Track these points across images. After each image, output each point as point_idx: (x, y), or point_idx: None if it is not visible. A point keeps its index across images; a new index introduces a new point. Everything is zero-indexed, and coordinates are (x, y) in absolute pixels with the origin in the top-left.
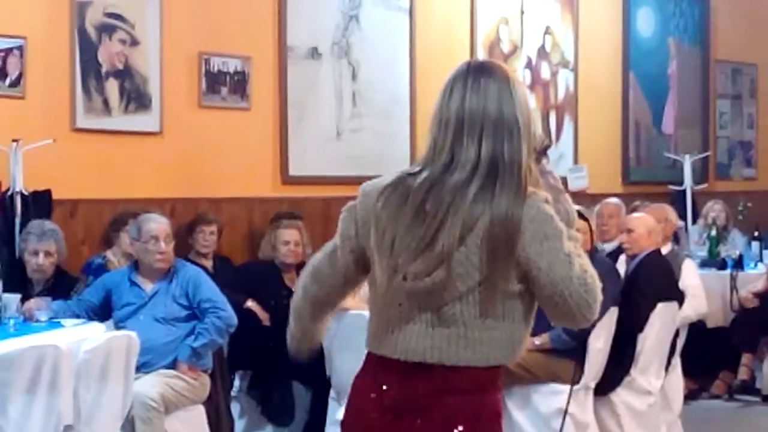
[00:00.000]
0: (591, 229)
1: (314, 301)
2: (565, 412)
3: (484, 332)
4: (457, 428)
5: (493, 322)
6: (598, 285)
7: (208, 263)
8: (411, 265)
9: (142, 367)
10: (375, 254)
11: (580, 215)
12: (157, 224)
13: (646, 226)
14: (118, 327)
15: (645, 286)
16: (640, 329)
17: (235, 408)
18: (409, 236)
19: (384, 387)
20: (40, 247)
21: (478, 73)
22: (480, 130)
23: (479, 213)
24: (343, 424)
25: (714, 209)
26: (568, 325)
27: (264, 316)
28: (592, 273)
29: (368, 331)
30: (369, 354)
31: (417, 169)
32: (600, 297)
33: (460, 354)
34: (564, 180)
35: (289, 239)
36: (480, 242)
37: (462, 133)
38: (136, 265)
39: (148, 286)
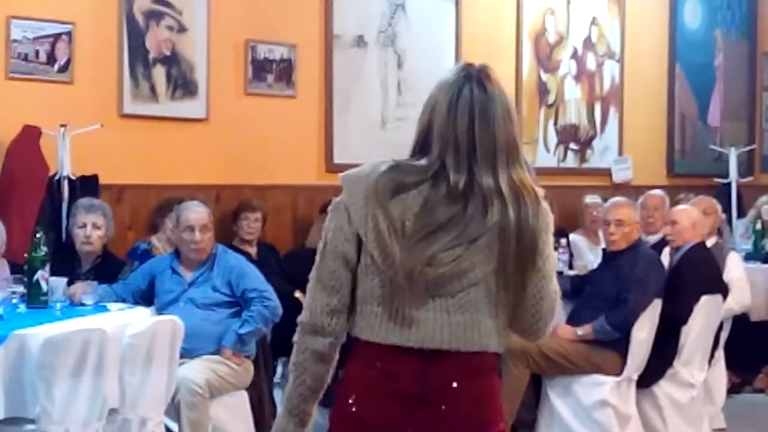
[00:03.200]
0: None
1: (333, 310)
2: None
3: (493, 319)
4: (476, 414)
5: (499, 309)
6: (559, 296)
7: (252, 250)
8: (431, 252)
9: (185, 353)
10: (387, 240)
11: None
12: (194, 214)
13: (690, 218)
14: (159, 314)
15: (689, 278)
16: (684, 321)
17: (277, 394)
18: (426, 222)
19: (397, 376)
20: (88, 219)
21: (479, 87)
22: (493, 156)
23: (509, 217)
24: (355, 415)
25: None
26: (518, 334)
27: None
28: (558, 292)
29: (365, 322)
30: (369, 344)
31: (422, 166)
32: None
33: (474, 340)
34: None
35: None
36: (512, 237)
37: (476, 157)
38: (177, 253)
39: (188, 274)
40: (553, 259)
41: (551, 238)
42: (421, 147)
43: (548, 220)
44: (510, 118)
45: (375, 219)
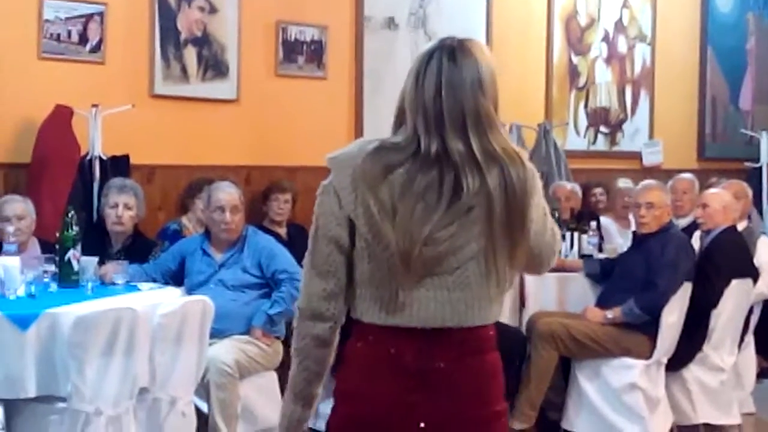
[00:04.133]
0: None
1: (329, 295)
2: None
3: (490, 290)
4: (478, 390)
5: (495, 279)
6: (559, 233)
7: (282, 231)
8: (425, 231)
9: (215, 334)
10: (380, 223)
11: None
12: (224, 194)
13: (721, 201)
14: (189, 294)
15: (720, 262)
16: (714, 305)
17: None
18: (425, 204)
19: (400, 355)
20: (120, 200)
21: (449, 59)
22: (463, 125)
23: (494, 182)
24: (356, 395)
25: None
26: (529, 273)
27: None
28: (557, 229)
29: (365, 305)
30: (371, 325)
31: (401, 144)
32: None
33: (475, 315)
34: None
35: None
36: (501, 202)
37: (445, 127)
38: (208, 234)
39: (218, 255)
40: (541, 216)
41: (541, 201)
42: (399, 120)
43: (535, 182)
44: (481, 88)
45: (365, 203)
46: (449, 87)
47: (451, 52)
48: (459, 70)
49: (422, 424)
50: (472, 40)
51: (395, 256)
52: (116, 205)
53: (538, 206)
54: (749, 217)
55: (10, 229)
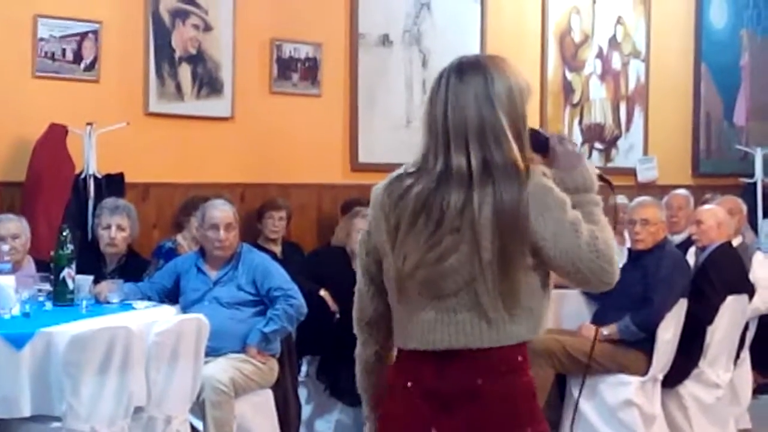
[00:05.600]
0: (611, 188)
1: (368, 322)
2: None
3: (505, 310)
4: (496, 413)
5: (511, 299)
6: (613, 247)
7: (277, 249)
8: (419, 254)
9: (210, 352)
10: (387, 248)
11: (603, 178)
12: (219, 212)
13: (716, 217)
14: (184, 312)
15: (715, 278)
16: (710, 321)
17: (302, 392)
18: (417, 227)
19: (420, 378)
20: (113, 221)
21: (456, 76)
22: (465, 140)
23: (482, 201)
24: (385, 416)
25: None
26: (586, 289)
27: (335, 307)
28: (605, 238)
29: (394, 329)
30: (399, 349)
31: (413, 169)
32: (616, 259)
33: (484, 335)
34: (633, 171)
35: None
36: (488, 222)
37: (450, 143)
38: (202, 251)
39: (213, 273)
40: (565, 230)
41: (563, 214)
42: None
43: (543, 198)
44: (489, 101)
45: (380, 230)
46: (455, 103)
47: (459, 69)
48: (464, 85)
49: None
50: (491, 56)
51: (394, 279)
52: (109, 227)
53: (558, 221)
54: (743, 234)
55: (5, 248)
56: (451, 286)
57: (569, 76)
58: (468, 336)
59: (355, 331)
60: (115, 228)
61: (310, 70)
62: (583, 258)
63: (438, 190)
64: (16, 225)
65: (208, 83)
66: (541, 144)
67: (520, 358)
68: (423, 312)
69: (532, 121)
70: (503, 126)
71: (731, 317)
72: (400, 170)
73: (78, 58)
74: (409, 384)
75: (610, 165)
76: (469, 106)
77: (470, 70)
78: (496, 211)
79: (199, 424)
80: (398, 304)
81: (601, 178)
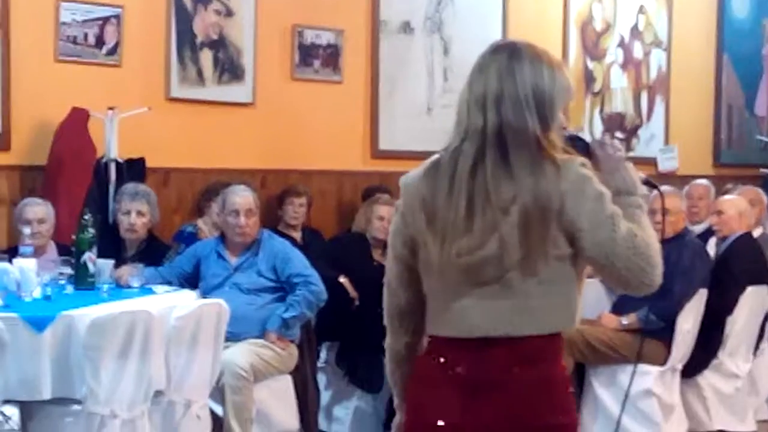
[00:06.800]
0: (663, 200)
1: (401, 313)
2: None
3: (544, 299)
4: (532, 401)
5: (550, 288)
6: (654, 248)
7: (297, 235)
8: (461, 241)
9: (230, 337)
10: (427, 236)
11: (649, 183)
12: (239, 198)
13: (736, 207)
14: (204, 297)
15: (735, 268)
16: (729, 312)
17: (321, 379)
18: (452, 212)
19: (452, 365)
20: (133, 207)
21: (488, 54)
22: (483, 104)
23: (511, 187)
24: (416, 404)
25: None
26: (628, 291)
27: (354, 294)
28: (645, 237)
29: (429, 317)
30: (432, 337)
31: (444, 147)
32: (658, 262)
33: (524, 324)
34: (654, 160)
35: (384, 215)
36: (524, 209)
37: (470, 109)
38: (223, 237)
39: (233, 259)
40: (601, 223)
41: (601, 207)
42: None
43: (583, 186)
44: (512, 71)
45: (418, 219)
46: (495, 96)
47: (508, 57)
48: (510, 78)
49: None
50: (527, 44)
51: (435, 267)
52: (129, 213)
53: (594, 211)
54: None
55: (27, 231)
56: (492, 273)
57: (590, 64)
58: (507, 324)
59: (386, 322)
60: (135, 214)
61: (332, 56)
62: (619, 253)
63: (476, 176)
64: (42, 209)
65: (230, 69)
66: (581, 149)
67: (555, 347)
68: (462, 299)
69: None
70: (521, 98)
71: (751, 308)
72: (434, 158)
73: (100, 42)
74: (443, 371)
75: (630, 154)
76: (492, 75)
77: (500, 50)
78: (534, 198)
79: (218, 409)
80: (437, 292)
81: (647, 182)
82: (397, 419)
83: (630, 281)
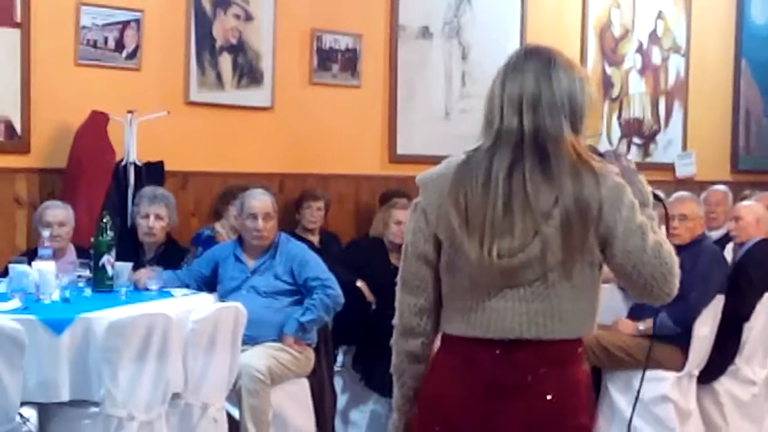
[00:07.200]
0: (666, 214)
1: (419, 311)
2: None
3: (574, 304)
4: (557, 402)
5: (580, 293)
6: (675, 259)
7: (315, 239)
8: (502, 242)
9: (247, 341)
10: (461, 236)
11: (657, 196)
12: (257, 202)
13: (754, 213)
14: (222, 300)
15: (753, 274)
16: (747, 318)
17: (337, 382)
18: (490, 213)
19: (479, 367)
20: (151, 210)
21: (522, 56)
22: (519, 106)
23: (552, 191)
24: (436, 403)
25: None
26: (647, 300)
27: (371, 298)
28: (669, 249)
29: (449, 317)
30: (453, 337)
31: (474, 147)
32: (678, 272)
33: (555, 328)
34: (671, 166)
35: (401, 219)
36: (563, 217)
37: (504, 110)
38: (240, 240)
39: (250, 262)
40: (632, 231)
41: (633, 215)
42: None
43: (618, 194)
44: (549, 76)
45: (448, 218)
46: (532, 98)
47: (545, 61)
48: (547, 82)
49: None
50: (560, 51)
51: (474, 268)
52: (147, 216)
53: (628, 220)
54: None
55: (46, 233)
56: (529, 276)
57: (609, 70)
58: (540, 327)
59: (403, 321)
60: (153, 217)
61: (350, 61)
62: (646, 262)
63: (513, 178)
64: (63, 212)
65: (249, 73)
66: None
67: (579, 350)
68: (494, 300)
69: None
70: (557, 102)
71: None
72: (461, 157)
73: (120, 46)
74: (468, 372)
75: (648, 160)
76: (528, 77)
77: (536, 53)
78: (575, 202)
79: (235, 412)
80: (463, 292)
81: (654, 196)
82: (395, 420)
83: (653, 290)
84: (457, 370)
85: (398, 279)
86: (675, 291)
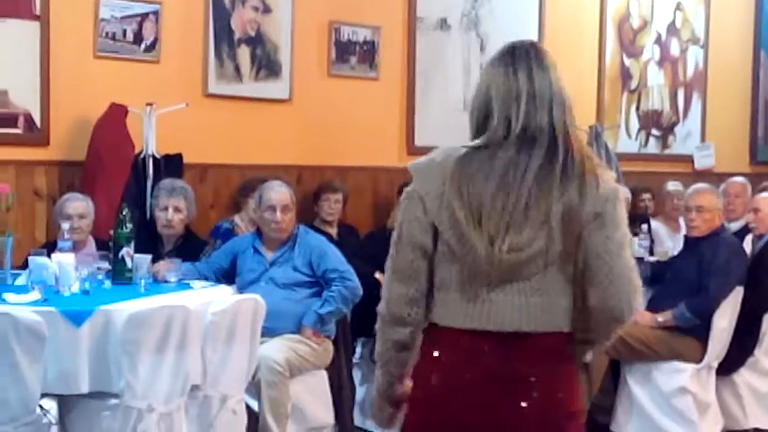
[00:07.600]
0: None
1: (410, 301)
2: None
3: (565, 299)
4: (553, 391)
5: (568, 288)
6: (640, 284)
7: (333, 231)
8: (512, 237)
9: (265, 332)
10: (466, 229)
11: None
12: (276, 194)
13: None
14: (240, 292)
15: None
16: (766, 310)
17: (356, 374)
18: (499, 208)
19: (477, 359)
20: (170, 203)
21: (512, 53)
22: (541, 135)
23: (558, 187)
24: (434, 400)
25: None
26: (609, 313)
27: None
28: (636, 265)
29: (444, 308)
30: (449, 329)
31: (480, 143)
32: (640, 299)
33: (552, 321)
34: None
35: None
36: (564, 211)
37: (520, 106)
38: (259, 232)
39: (269, 254)
40: (620, 236)
41: (617, 215)
42: (480, 128)
43: (610, 195)
44: (544, 73)
45: (451, 208)
46: (530, 97)
47: (531, 52)
48: (540, 79)
49: (499, 425)
50: (540, 48)
51: (480, 261)
52: (166, 208)
53: (614, 228)
54: None
55: (66, 226)
56: (532, 271)
57: (627, 62)
58: (537, 320)
59: (392, 310)
60: (172, 210)
61: (368, 53)
62: (621, 273)
63: (525, 174)
64: (83, 205)
65: (267, 65)
66: None
67: (567, 346)
68: (493, 293)
69: (589, 107)
70: (553, 98)
71: None
72: (463, 149)
73: (138, 38)
74: (465, 363)
75: (667, 152)
76: (544, 105)
77: (532, 52)
78: (578, 199)
79: (254, 404)
80: (460, 283)
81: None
82: (378, 403)
83: (621, 301)
84: (457, 367)
85: (388, 266)
86: (633, 313)
